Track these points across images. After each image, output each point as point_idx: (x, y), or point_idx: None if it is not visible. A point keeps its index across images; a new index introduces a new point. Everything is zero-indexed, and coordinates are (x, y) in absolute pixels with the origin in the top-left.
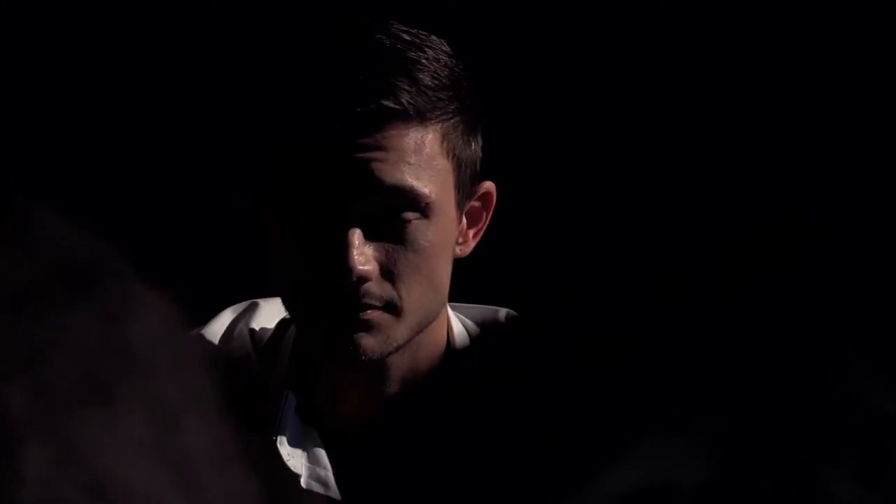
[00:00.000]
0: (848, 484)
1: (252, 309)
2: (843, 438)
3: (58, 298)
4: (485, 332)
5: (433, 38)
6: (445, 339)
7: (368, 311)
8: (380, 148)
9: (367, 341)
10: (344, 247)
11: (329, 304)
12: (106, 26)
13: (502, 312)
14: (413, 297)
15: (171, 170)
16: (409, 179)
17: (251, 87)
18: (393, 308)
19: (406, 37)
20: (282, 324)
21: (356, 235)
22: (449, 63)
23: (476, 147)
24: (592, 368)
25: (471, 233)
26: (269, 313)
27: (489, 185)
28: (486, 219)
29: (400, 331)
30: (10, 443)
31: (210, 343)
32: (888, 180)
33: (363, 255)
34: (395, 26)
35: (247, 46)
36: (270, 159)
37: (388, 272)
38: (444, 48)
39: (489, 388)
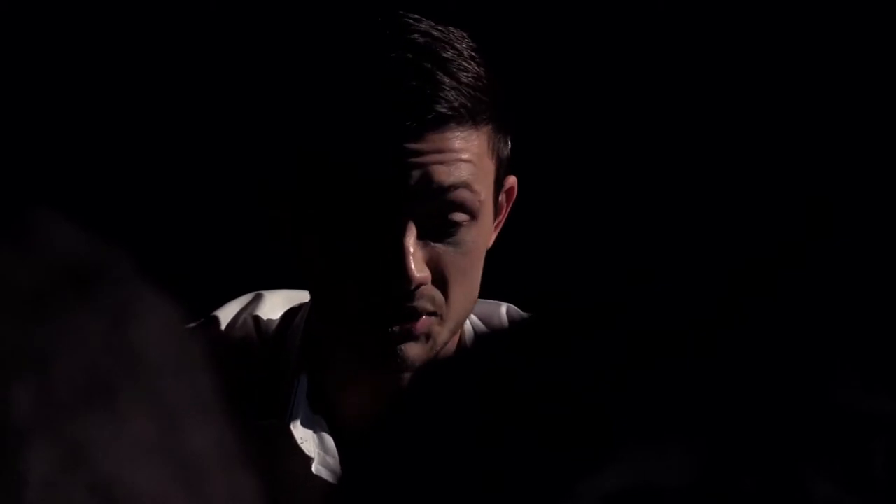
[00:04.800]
0: (830, 486)
1: (257, 300)
2: (828, 442)
3: (62, 300)
4: (487, 336)
5: (454, 31)
6: (458, 336)
7: (420, 321)
8: (436, 150)
9: (414, 350)
10: (401, 253)
11: (378, 312)
12: (114, 25)
13: (503, 308)
14: (457, 299)
15: (175, 171)
16: (466, 177)
17: (287, 89)
18: (440, 313)
19: (436, 33)
20: (288, 314)
21: (412, 241)
22: (480, 61)
23: (509, 144)
24: (588, 369)
25: (492, 225)
26: (274, 305)
27: (513, 180)
28: (506, 211)
29: (443, 335)
30: (15, 444)
31: (213, 332)
32: (888, 180)
33: (419, 261)
34: (423, 22)
35: (273, 43)
36: (313, 165)
37: (438, 276)
38: (469, 43)
39: (488, 397)
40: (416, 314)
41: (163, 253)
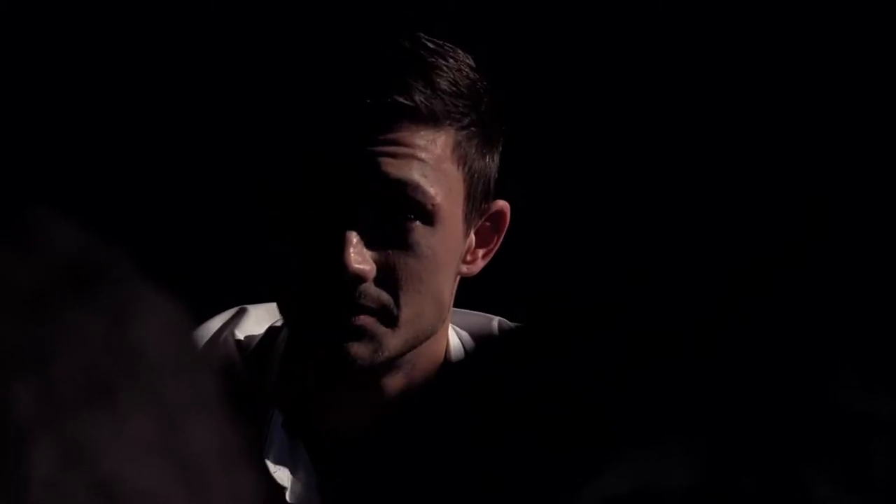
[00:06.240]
0: (830, 486)
1: (240, 315)
2: (828, 443)
3: (62, 300)
4: (480, 347)
5: (459, 51)
6: (443, 356)
7: (361, 317)
8: (388, 143)
9: (358, 349)
10: (341, 244)
11: (322, 305)
12: (114, 25)
13: (495, 321)
14: (410, 306)
15: (176, 171)
16: (416, 176)
17: (268, 85)
18: (388, 316)
19: (430, 45)
20: (271, 330)
21: (354, 234)
22: (470, 76)
23: (491, 164)
24: (588, 369)
25: (480, 252)
26: (258, 319)
27: (502, 205)
28: (497, 240)
29: (393, 342)
30: (16, 444)
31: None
32: (888, 180)
33: (360, 254)
34: (423, 36)
35: (258, 48)
36: (288, 158)
37: (386, 277)
38: (468, 62)
39: (484, 404)
40: (358, 311)
41: (163, 253)
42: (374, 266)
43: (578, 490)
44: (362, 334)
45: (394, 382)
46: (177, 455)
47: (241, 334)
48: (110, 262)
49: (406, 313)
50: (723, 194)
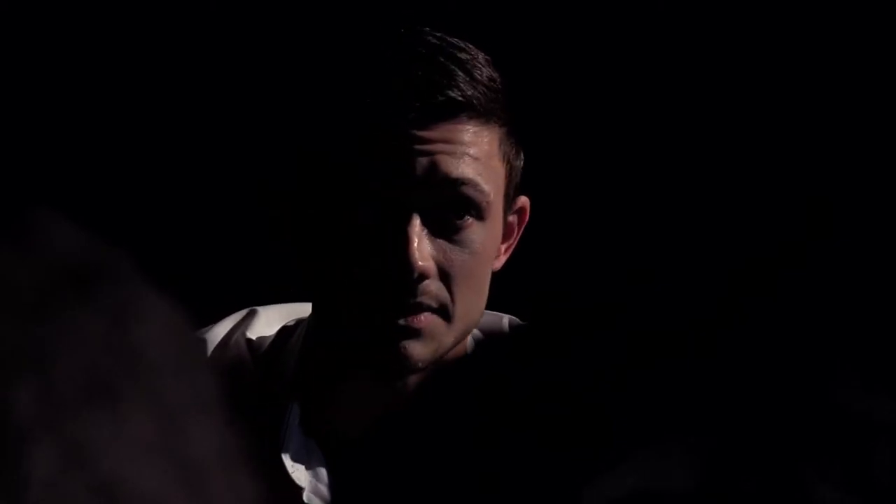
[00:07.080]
0: (831, 487)
1: (250, 317)
2: (828, 444)
3: (62, 300)
4: (489, 345)
5: (470, 44)
6: (462, 353)
7: (422, 316)
8: (444, 140)
9: (416, 349)
10: (405, 241)
11: (380, 304)
12: (115, 25)
13: (505, 320)
14: (464, 302)
15: (176, 171)
16: (472, 174)
17: (288, 89)
18: (445, 312)
19: (451, 39)
20: (283, 330)
21: (416, 230)
22: (495, 70)
23: (522, 159)
24: (588, 369)
25: (503, 247)
26: (269, 320)
27: (524, 200)
28: (517, 235)
29: (448, 338)
30: (16, 444)
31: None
32: (888, 180)
33: (422, 251)
34: (438, 32)
35: (275, 44)
36: (328, 161)
37: (444, 273)
38: (485, 55)
39: (489, 403)
40: (419, 309)
41: (163, 253)
42: (434, 263)
43: (579, 490)
44: (421, 333)
45: (413, 381)
46: (177, 455)
47: (252, 335)
48: (110, 262)
49: (460, 309)
50: (723, 194)
